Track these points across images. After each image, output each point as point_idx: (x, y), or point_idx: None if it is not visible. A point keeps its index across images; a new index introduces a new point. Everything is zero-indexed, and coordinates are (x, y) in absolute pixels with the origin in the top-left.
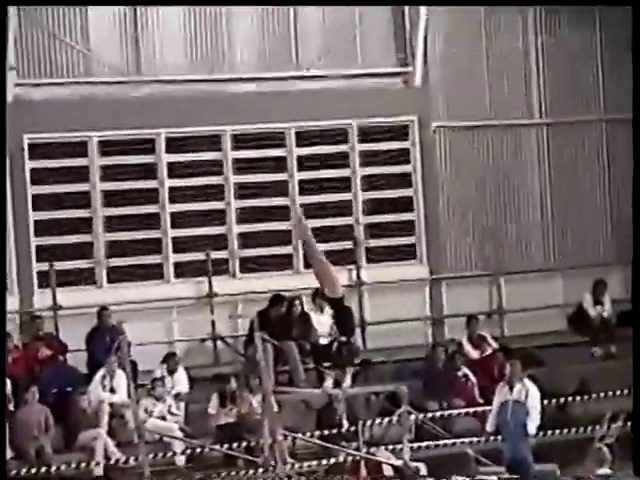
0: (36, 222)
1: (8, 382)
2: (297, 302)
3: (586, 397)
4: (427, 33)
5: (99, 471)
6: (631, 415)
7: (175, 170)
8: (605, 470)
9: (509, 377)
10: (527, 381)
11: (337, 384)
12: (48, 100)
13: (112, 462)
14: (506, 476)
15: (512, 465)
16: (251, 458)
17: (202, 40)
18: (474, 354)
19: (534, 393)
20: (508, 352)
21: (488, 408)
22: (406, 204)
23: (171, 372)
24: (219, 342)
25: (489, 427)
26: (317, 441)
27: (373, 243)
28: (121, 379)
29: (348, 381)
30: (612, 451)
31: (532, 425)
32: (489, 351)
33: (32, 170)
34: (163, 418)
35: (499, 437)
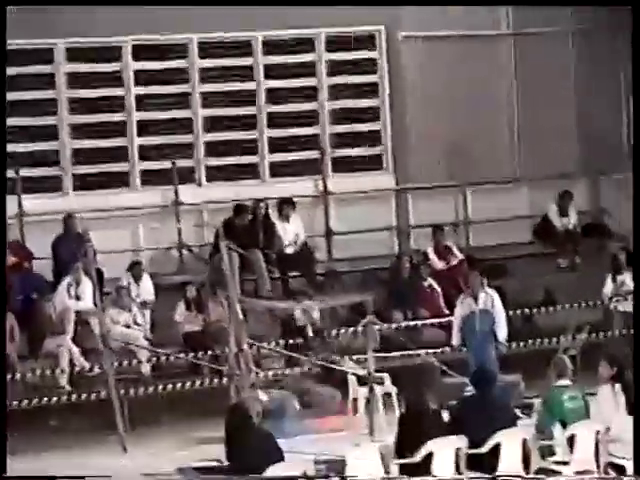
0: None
1: None
2: (262, 205)
3: (551, 308)
4: None
5: (64, 379)
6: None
7: (142, 77)
8: (565, 381)
9: (471, 288)
10: (489, 289)
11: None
12: (20, 9)
13: (77, 370)
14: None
15: (477, 376)
16: (216, 367)
17: None
18: (439, 264)
19: (498, 300)
20: (473, 262)
21: (453, 318)
22: (373, 114)
23: (136, 280)
24: (185, 250)
25: (455, 341)
26: (282, 350)
27: (339, 153)
28: (87, 286)
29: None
30: (574, 362)
31: (502, 332)
32: (455, 262)
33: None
34: (128, 326)
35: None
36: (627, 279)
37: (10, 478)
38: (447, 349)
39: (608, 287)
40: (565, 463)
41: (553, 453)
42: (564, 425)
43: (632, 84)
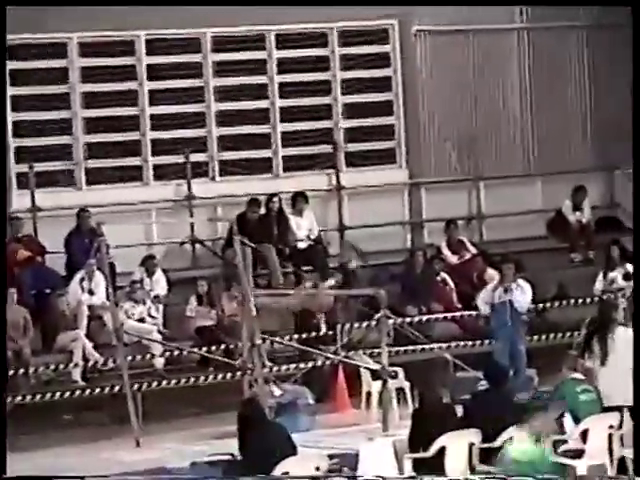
0: (15, 123)
1: None
2: (275, 199)
3: (565, 302)
4: None
5: (77, 373)
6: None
7: (155, 72)
8: (577, 374)
9: (504, 280)
10: (521, 281)
11: (315, 287)
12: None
13: (90, 364)
14: None
15: (491, 370)
16: (229, 361)
17: None
18: (453, 259)
19: (529, 288)
20: (486, 257)
21: (466, 313)
22: (386, 108)
23: (149, 274)
24: (198, 245)
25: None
26: (295, 345)
27: (352, 147)
28: (100, 281)
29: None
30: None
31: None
32: (468, 256)
33: (11, 71)
34: (142, 320)
35: (477, 342)
36: (618, 276)
37: (10, 479)
38: (460, 343)
39: (599, 283)
40: (578, 457)
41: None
42: (575, 417)
43: (632, 84)
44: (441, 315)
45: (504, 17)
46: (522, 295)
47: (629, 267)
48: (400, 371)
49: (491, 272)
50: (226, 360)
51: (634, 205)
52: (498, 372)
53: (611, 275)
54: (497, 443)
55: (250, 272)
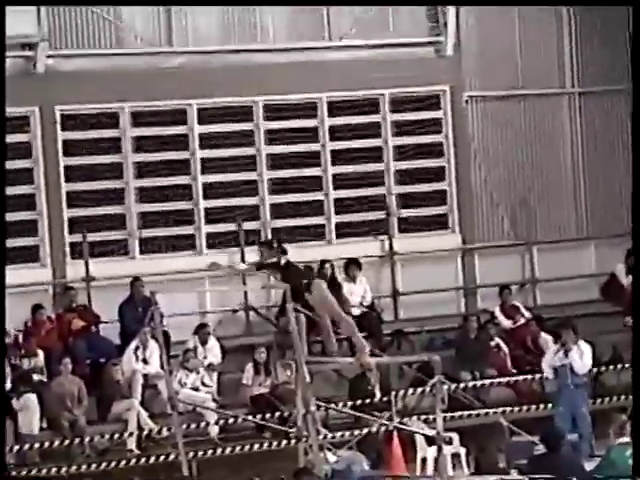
0: (68, 193)
1: (41, 354)
2: (327, 266)
3: (620, 366)
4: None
5: (132, 442)
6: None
7: (207, 141)
8: (626, 438)
9: (564, 344)
10: (582, 343)
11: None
12: (80, 71)
13: (145, 433)
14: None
15: (547, 434)
16: (284, 429)
17: (234, 10)
18: (507, 324)
19: (589, 352)
20: (540, 321)
21: (521, 377)
22: (438, 174)
23: (203, 343)
24: (251, 313)
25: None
26: (350, 411)
27: (405, 213)
28: (154, 350)
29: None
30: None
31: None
32: (522, 321)
33: (64, 141)
34: (196, 389)
35: (532, 407)
36: None
37: (10, 478)
38: (515, 408)
39: None
40: None
41: None
42: None
43: (632, 85)
44: (495, 380)
45: (555, 81)
46: (582, 357)
47: None
48: (455, 437)
49: (545, 337)
50: (281, 427)
51: (633, 206)
52: (554, 436)
53: None
54: None
55: (304, 339)
